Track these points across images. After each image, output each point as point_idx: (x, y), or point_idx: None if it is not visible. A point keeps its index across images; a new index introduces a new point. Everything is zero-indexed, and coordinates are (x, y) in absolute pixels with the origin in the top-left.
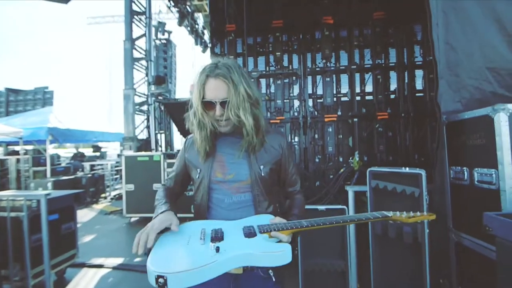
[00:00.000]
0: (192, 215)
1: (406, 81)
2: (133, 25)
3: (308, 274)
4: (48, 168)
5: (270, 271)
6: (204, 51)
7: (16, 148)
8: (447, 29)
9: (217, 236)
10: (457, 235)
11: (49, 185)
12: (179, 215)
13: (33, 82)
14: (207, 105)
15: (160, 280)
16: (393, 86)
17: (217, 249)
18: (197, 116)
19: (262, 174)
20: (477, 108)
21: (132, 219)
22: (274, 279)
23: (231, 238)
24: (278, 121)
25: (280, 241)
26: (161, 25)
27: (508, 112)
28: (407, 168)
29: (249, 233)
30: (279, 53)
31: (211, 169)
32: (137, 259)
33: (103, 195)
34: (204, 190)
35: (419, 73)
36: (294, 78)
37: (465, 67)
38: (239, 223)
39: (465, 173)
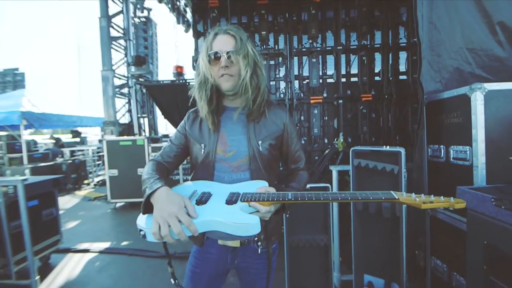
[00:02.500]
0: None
1: (390, 62)
2: (109, 1)
3: (293, 249)
4: (25, 154)
5: (259, 243)
6: (186, 30)
7: None
8: (431, 8)
9: (202, 200)
10: (433, 209)
11: (27, 172)
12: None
13: (1, 64)
14: (213, 59)
15: (141, 232)
16: (377, 67)
17: (188, 214)
18: (201, 74)
19: (261, 150)
20: (456, 88)
21: (118, 205)
22: (266, 253)
23: (213, 203)
24: None
25: (257, 211)
26: (139, 2)
27: (484, 91)
28: (388, 147)
29: (231, 200)
30: (264, 32)
31: (216, 145)
32: (125, 243)
33: (86, 181)
34: (209, 166)
35: (402, 55)
36: (280, 59)
37: (446, 47)
38: (231, 188)
39: (442, 150)
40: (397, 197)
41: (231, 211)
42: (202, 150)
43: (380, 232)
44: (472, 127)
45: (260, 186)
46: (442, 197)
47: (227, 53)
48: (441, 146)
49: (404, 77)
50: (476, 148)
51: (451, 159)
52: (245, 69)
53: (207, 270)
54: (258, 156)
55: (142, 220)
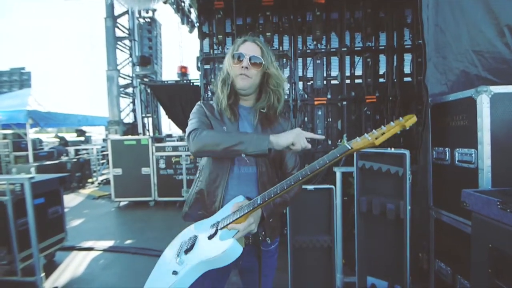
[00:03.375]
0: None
1: (395, 64)
2: (115, 1)
3: (296, 250)
4: (30, 152)
5: (268, 239)
6: (191, 31)
7: None
8: (437, 11)
9: (187, 247)
10: (437, 212)
11: (33, 170)
12: (168, 198)
13: (7, 63)
14: (236, 58)
15: None
16: (382, 69)
17: (174, 272)
18: (225, 72)
19: None
20: (462, 90)
21: (121, 204)
22: (270, 256)
23: (198, 245)
24: None
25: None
26: None
27: (490, 94)
28: (392, 149)
29: (211, 234)
30: (269, 34)
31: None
32: (128, 241)
33: (90, 180)
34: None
35: (407, 56)
36: (284, 60)
37: (452, 50)
38: (213, 219)
39: (447, 153)
40: (351, 147)
41: (211, 245)
42: (225, 129)
43: (384, 234)
44: (477, 129)
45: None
46: (392, 122)
47: (250, 57)
48: (446, 148)
49: (408, 79)
50: (482, 151)
51: (456, 162)
52: (261, 75)
53: (210, 274)
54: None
55: None
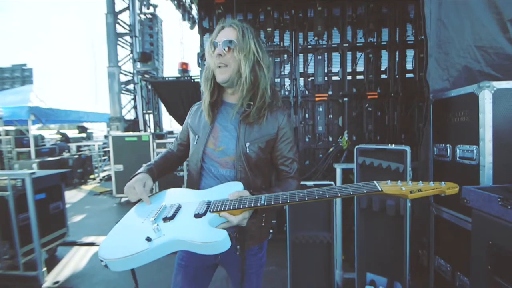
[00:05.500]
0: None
1: (397, 60)
2: None
3: (296, 246)
4: (32, 149)
5: (239, 247)
6: (192, 27)
7: None
8: (440, 5)
9: (168, 216)
10: (437, 208)
11: (34, 166)
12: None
13: (9, 59)
14: (212, 47)
15: (102, 263)
16: (384, 65)
17: (148, 239)
18: (207, 67)
19: (247, 151)
20: (464, 86)
21: (123, 200)
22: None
23: (181, 218)
24: None
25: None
26: None
27: (492, 90)
28: (393, 145)
29: (199, 212)
30: (270, 29)
31: (208, 138)
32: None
33: (91, 176)
34: (198, 157)
35: (410, 52)
36: (285, 56)
37: (455, 45)
38: (203, 195)
39: (448, 149)
40: (381, 189)
41: (197, 227)
42: (195, 141)
43: (384, 230)
44: (479, 126)
45: (233, 190)
46: (432, 182)
47: (224, 42)
48: (448, 145)
49: (411, 75)
50: (484, 147)
51: (457, 158)
52: (239, 61)
53: (193, 263)
54: (244, 158)
55: (103, 252)
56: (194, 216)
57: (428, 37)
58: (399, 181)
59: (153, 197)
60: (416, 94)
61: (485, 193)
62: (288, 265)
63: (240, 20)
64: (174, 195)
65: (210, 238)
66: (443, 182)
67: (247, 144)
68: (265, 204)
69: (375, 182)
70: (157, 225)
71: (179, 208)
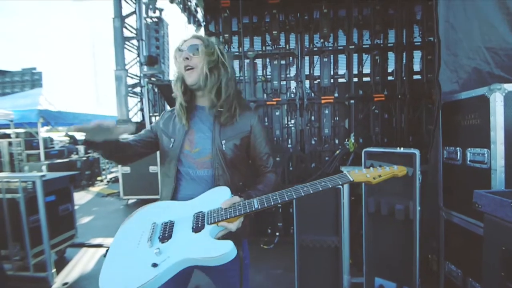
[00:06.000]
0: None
1: (404, 62)
2: (122, 1)
3: (303, 250)
4: (42, 151)
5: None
6: (197, 30)
7: (7, 131)
8: (447, 7)
9: (164, 235)
10: (447, 213)
11: (44, 168)
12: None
13: (19, 63)
14: (178, 54)
15: None
16: (390, 67)
17: (154, 265)
18: (176, 71)
19: (224, 149)
20: (473, 89)
21: (130, 201)
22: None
23: (179, 235)
24: (275, 102)
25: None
26: (152, 2)
27: (503, 92)
28: (402, 148)
29: (197, 226)
30: (275, 32)
31: (183, 141)
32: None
33: (99, 178)
34: (174, 160)
35: (417, 54)
36: (291, 58)
37: (463, 47)
38: (194, 206)
39: (458, 153)
40: (352, 179)
41: (201, 243)
42: (171, 144)
43: (393, 235)
44: (490, 128)
45: (222, 197)
46: (387, 167)
47: (189, 46)
48: (458, 148)
49: (418, 76)
50: (495, 150)
51: (468, 162)
52: (204, 61)
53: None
54: (220, 155)
55: (109, 286)
56: (192, 231)
57: (440, 39)
58: (364, 169)
59: (137, 216)
60: (424, 96)
61: (497, 198)
62: (295, 268)
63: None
64: (161, 211)
65: (219, 251)
66: (395, 166)
67: (223, 142)
68: (259, 208)
69: (345, 172)
70: (158, 248)
71: (172, 224)
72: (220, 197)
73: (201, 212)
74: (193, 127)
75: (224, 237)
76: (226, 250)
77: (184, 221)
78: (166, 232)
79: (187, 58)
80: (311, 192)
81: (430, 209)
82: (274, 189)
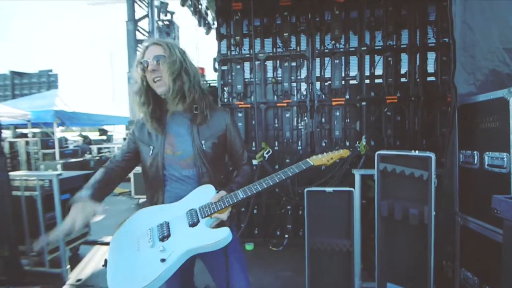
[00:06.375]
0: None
1: (417, 63)
2: (135, 5)
3: (314, 252)
4: (57, 150)
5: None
6: (207, 32)
7: (24, 131)
8: (465, 8)
9: (164, 235)
10: (463, 218)
11: (59, 167)
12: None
13: (36, 65)
14: (145, 67)
15: None
16: (403, 69)
17: (162, 260)
18: (135, 82)
19: (204, 148)
20: (491, 91)
21: (141, 200)
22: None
23: (177, 232)
24: (285, 104)
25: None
26: (163, 6)
27: None
28: (417, 151)
29: (193, 221)
30: (286, 34)
31: (163, 146)
32: None
33: None
34: (158, 165)
35: (431, 55)
36: (301, 60)
37: (481, 48)
38: (183, 205)
39: (475, 157)
40: (312, 163)
41: (201, 233)
42: (151, 151)
43: (406, 240)
44: (510, 132)
45: (208, 194)
46: (336, 151)
47: (153, 57)
48: (475, 152)
49: (432, 78)
50: None
51: (486, 166)
52: (168, 71)
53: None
54: (202, 155)
55: None
56: (189, 226)
57: (455, 40)
58: (320, 155)
59: (127, 225)
60: (438, 98)
61: None
62: (306, 271)
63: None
64: (153, 216)
65: (218, 236)
66: (341, 150)
67: (203, 142)
68: (244, 197)
69: (307, 159)
70: (162, 246)
71: (167, 224)
72: (206, 194)
73: (193, 209)
74: (170, 131)
75: (217, 226)
76: (225, 235)
77: (178, 219)
78: (165, 232)
79: (154, 70)
80: (283, 177)
81: (445, 214)
82: (250, 179)
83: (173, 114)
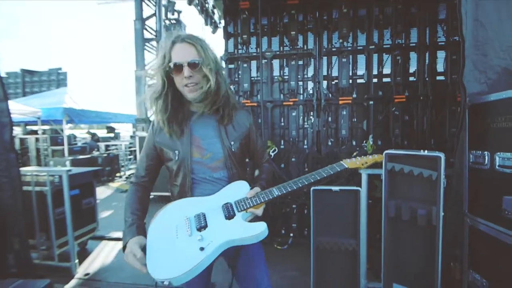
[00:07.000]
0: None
1: (426, 62)
2: (143, 4)
3: (320, 252)
4: (66, 147)
5: None
6: (214, 31)
7: (34, 128)
8: (477, 5)
9: (201, 225)
10: (472, 219)
11: (67, 163)
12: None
13: (46, 63)
14: (174, 69)
15: (165, 282)
16: (412, 68)
17: (201, 249)
18: (157, 83)
19: (233, 150)
20: (503, 90)
21: None
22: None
23: (214, 223)
24: (291, 103)
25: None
26: (170, 4)
27: None
28: (426, 151)
29: (229, 214)
30: (294, 33)
31: (190, 150)
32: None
33: (118, 174)
34: (186, 169)
35: (440, 54)
36: (308, 59)
37: (494, 46)
38: (218, 199)
39: (486, 157)
40: (346, 166)
41: (238, 226)
42: (177, 156)
43: (413, 240)
44: None
45: (243, 189)
46: (370, 156)
47: (189, 63)
48: (485, 152)
49: (441, 77)
50: None
51: (497, 167)
52: (210, 77)
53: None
54: (232, 156)
55: (161, 274)
56: (226, 219)
57: (464, 39)
58: (353, 158)
59: (164, 214)
60: (448, 97)
61: None
62: (311, 270)
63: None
64: (188, 206)
65: (256, 230)
66: (376, 155)
67: (232, 143)
68: (279, 194)
69: (342, 162)
70: (200, 236)
71: (204, 215)
72: (240, 189)
73: (228, 203)
74: (196, 134)
75: (252, 221)
76: (262, 229)
77: (214, 211)
78: (202, 222)
79: (190, 76)
80: (318, 178)
81: (454, 215)
82: (272, 175)
83: (197, 116)
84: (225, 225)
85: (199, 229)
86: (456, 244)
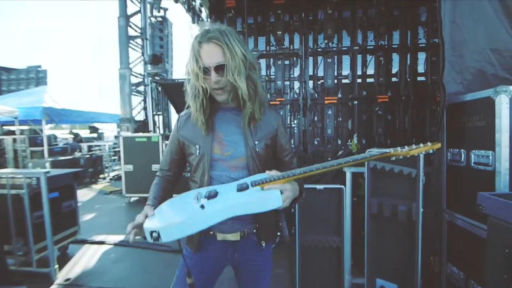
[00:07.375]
0: None
1: (408, 63)
2: (128, 0)
3: (305, 250)
4: (45, 148)
5: (263, 242)
6: None
7: (12, 128)
8: (454, 7)
9: (211, 195)
10: (450, 214)
11: (47, 165)
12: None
13: (24, 61)
14: (204, 73)
15: (154, 234)
16: (394, 68)
17: (202, 206)
18: (192, 85)
19: (257, 150)
20: (478, 90)
21: (132, 199)
22: (265, 250)
23: (224, 194)
24: (278, 102)
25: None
26: (156, 2)
27: (509, 94)
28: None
29: (241, 188)
30: (280, 32)
31: (211, 145)
32: (138, 237)
33: (101, 175)
34: (205, 166)
35: (421, 55)
36: (295, 59)
37: (469, 48)
38: (235, 182)
39: (462, 155)
40: (389, 151)
41: (248, 194)
42: (197, 151)
43: (395, 236)
44: (496, 131)
45: (261, 175)
46: (422, 144)
47: (216, 67)
48: (462, 150)
49: (422, 78)
50: (500, 153)
51: (472, 164)
52: (240, 81)
53: (205, 270)
54: (255, 156)
55: (153, 223)
56: (237, 191)
57: (444, 40)
58: (397, 148)
59: (180, 197)
60: (428, 97)
61: (501, 200)
62: (296, 268)
63: (212, 26)
64: (201, 189)
65: (266, 196)
66: (429, 143)
67: (256, 143)
68: (302, 173)
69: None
70: (206, 201)
71: (216, 191)
72: (261, 176)
73: (244, 182)
74: (218, 129)
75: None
76: (273, 196)
77: (228, 188)
78: (211, 193)
79: (219, 80)
80: (351, 161)
81: (433, 211)
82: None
83: (221, 110)
84: (235, 195)
85: (208, 198)
86: (435, 238)
